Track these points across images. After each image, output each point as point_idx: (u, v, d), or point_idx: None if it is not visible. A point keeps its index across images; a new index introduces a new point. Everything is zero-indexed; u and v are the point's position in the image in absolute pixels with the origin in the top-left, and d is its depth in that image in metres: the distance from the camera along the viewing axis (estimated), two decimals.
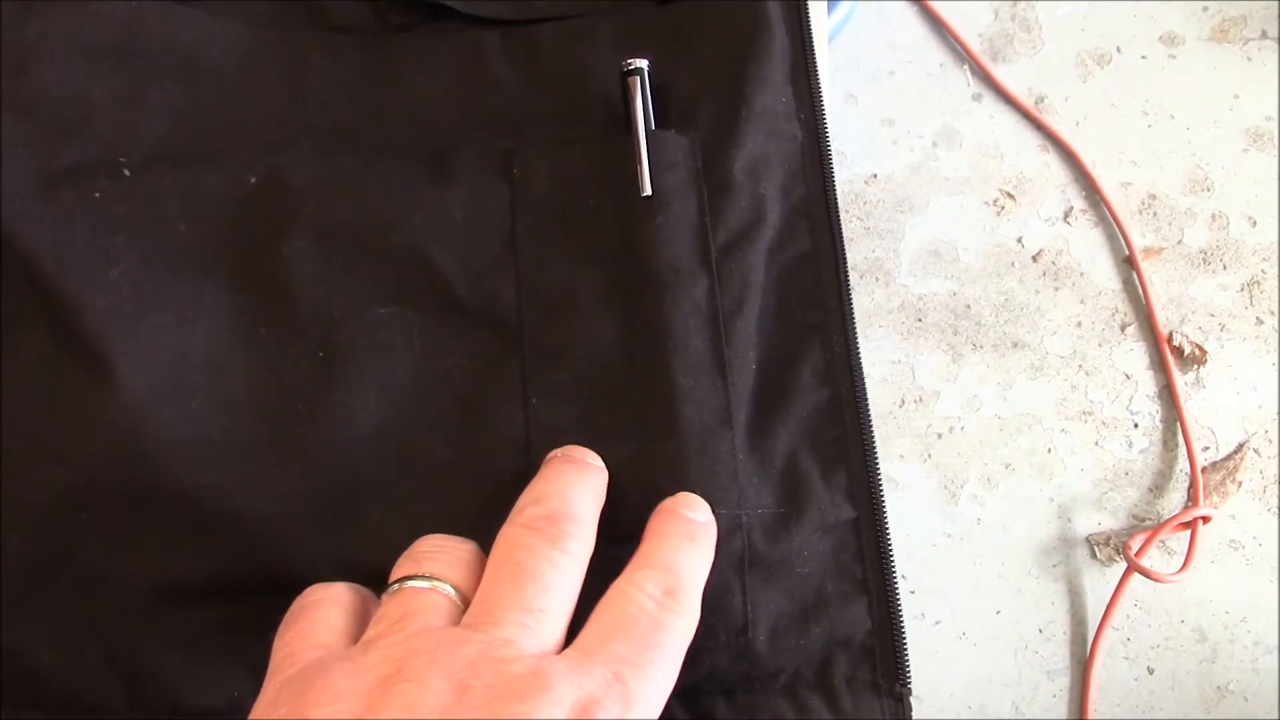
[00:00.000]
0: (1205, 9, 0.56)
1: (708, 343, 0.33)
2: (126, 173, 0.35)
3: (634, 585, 0.28)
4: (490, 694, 0.24)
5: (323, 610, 0.28)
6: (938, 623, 0.46)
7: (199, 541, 0.32)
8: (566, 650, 0.26)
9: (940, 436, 0.49)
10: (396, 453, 0.33)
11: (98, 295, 0.33)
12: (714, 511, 0.32)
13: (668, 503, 0.31)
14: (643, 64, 0.36)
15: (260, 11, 0.38)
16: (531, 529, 0.28)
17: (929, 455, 0.49)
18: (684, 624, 0.28)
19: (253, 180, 0.35)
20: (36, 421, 0.33)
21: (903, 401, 0.49)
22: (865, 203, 0.52)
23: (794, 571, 0.33)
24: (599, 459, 0.32)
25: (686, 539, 0.30)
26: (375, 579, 0.30)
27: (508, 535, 0.29)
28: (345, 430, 0.33)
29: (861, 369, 0.35)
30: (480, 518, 0.31)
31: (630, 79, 0.36)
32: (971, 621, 0.46)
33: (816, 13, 0.39)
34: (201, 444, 0.32)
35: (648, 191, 0.35)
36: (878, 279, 0.51)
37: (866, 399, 0.34)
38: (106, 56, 0.36)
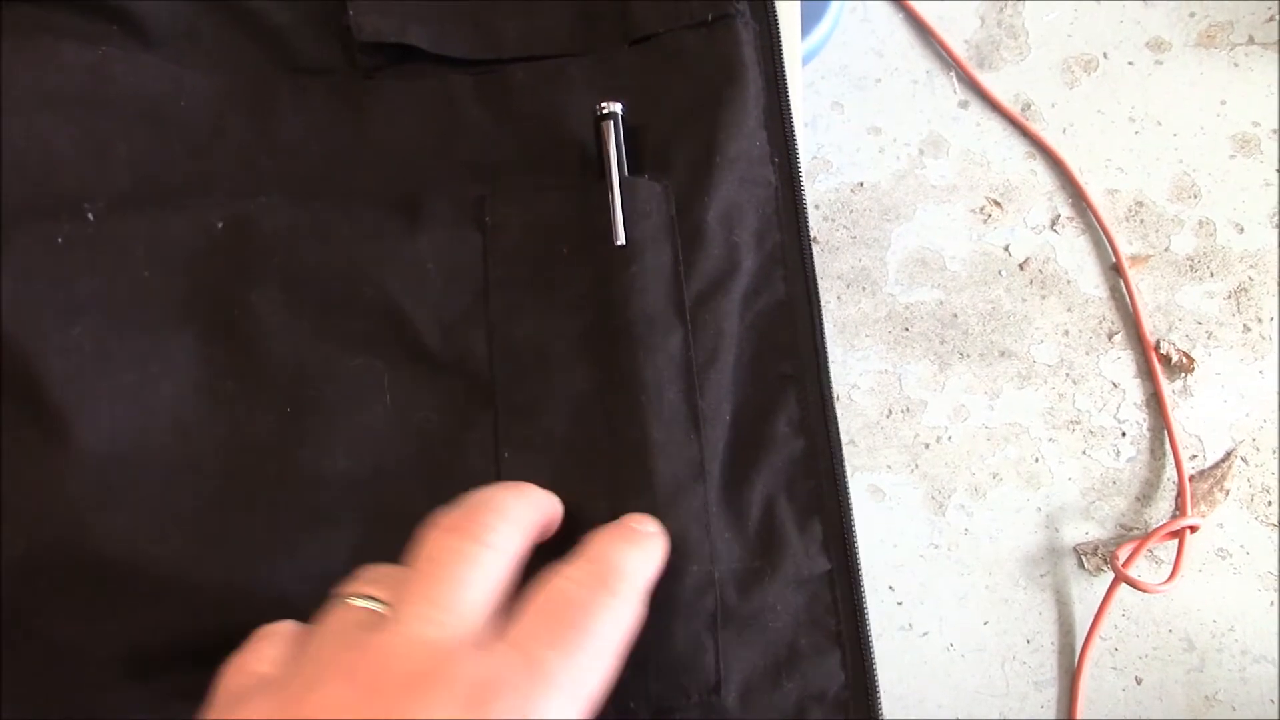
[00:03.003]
0: (1192, 14, 0.56)
1: (681, 395, 0.33)
2: (90, 216, 0.34)
3: (560, 573, 0.28)
4: (386, 689, 0.24)
5: (259, 644, 0.28)
6: (925, 634, 0.46)
7: (162, 608, 0.31)
8: (481, 638, 0.26)
9: (928, 446, 0.49)
10: (367, 510, 0.33)
11: (58, 357, 0.32)
12: (686, 568, 0.31)
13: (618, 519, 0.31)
14: (616, 108, 0.36)
15: (228, 52, 0.38)
16: (446, 529, 0.28)
17: (916, 465, 0.48)
18: (616, 607, 0.28)
19: (219, 225, 0.35)
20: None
21: (890, 411, 0.49)
22: (852, 211, 0.52)
23: (767, 626, 0.32)
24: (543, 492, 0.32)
25: (624, 539, 0.30)
26: None
27: (422, 537, 0.29)
28: (313, 490, 0.33)
29: (836, 418, 0.35)
30: None
31: (604, 124, 0.36)
32: (959, 632, 0.46)
33: (789, 51, 0.38)
34: (164, 508, 0.32)
35: (621, 240, 0.34)
36: (864, 288, 0.51)
37: (841, 448, 0.34)
38: (70, 105, 0.35)
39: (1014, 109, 0.54)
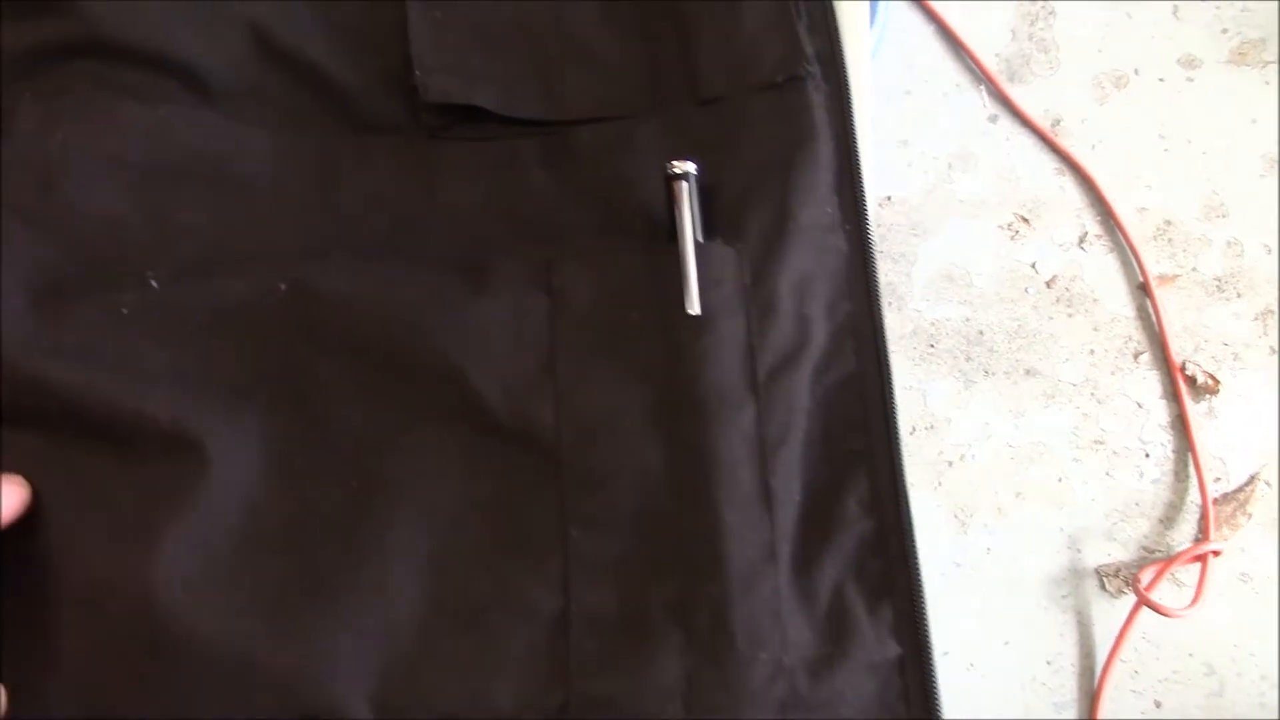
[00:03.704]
0: (1224, 31, 0.55)
1: (754, 474, 0.32)
2: (154, 284, 0.34)
3: None
4: None
5: None
6: (945, 653, 0.46)
7: (228, 690, 0.30)
8: None
9: (951, 464, 0.49)
10: (433, 588, 0.32)
11: (134, 438, 0.31)
12: (756, 656, 0.31)
13: None
14: (689, 168, 0.35)
15: (290, 109, 0.37)
16: None
17: (940, 483, 0.48)
18: None
19: (283, 287, 0.34)
20: (65, 566, 0.31)
21: (914, 428, 0.49)
22: (879, 225, 0.52)
23: (837, 714, 0.32)
24: None
25: None
26: None
27: None
28: (378, 567, 0.32)
29: (908, 497, 0.34)
30: (522, 659, 0.31)
31: (676, 184, 0.35)
32: (980, 652, 0.46)
33: (860, 113, 0.37)
34: (233, 588, 0.31)
35: (695, 310, 0.33)
36: (890, 304, 0.51)
37: (913, 528, 0.33)
38: (132, 170, 0.34)
39: (1044, 124, 0.54)
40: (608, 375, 0.34)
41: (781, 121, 0.36)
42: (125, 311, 0.33)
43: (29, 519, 0.31)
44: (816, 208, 0.36)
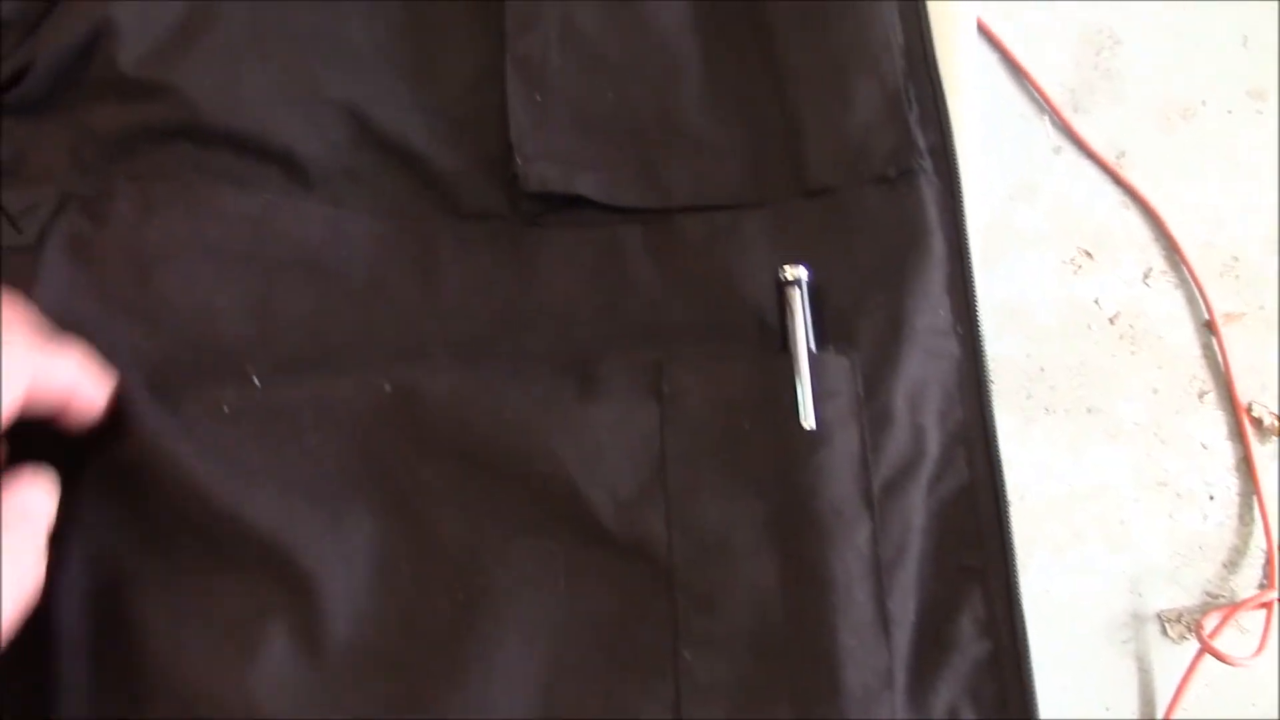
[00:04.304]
0: None
1: (870, 596, 0.32)
2: (256, 381, 0.33)
3: None
4: None
5: None
6: None
7: None
8: None
9: (1010, 503, 0.48)
10: (541, 709, 0.31)
11: (234, 543, 0.31)
12: None
13: None
14: (801, 274, 0.34)
15: (387, 195, 0.36)
16: None
17: None
18: None
19: (388, 389, 0.33)
20: (164, 671, 0.31)
21: None
22: None
23: None
24: None
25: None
26: None
27: None
28: (484, 685, 0.31)
29: (1024, 617, 0.33)
30: None
31: (789, 291, 0.34)
32: (1037, 697, 0.46)
33: (971, 211, 0.36)
34: (336, 707, 0.31)
35: (810, 423, 0.32)
36: None
37: (1029, 651, 0.33)
38: (232, 260, 0.34)
39: (1108, 156, 0.53)
40: (720, 487, 0.33)
41: (894, 220, 0.35)
42: (226, 410, 0.32)
43: (124, 613, 0.31)
44: (930, 312, 0.35)
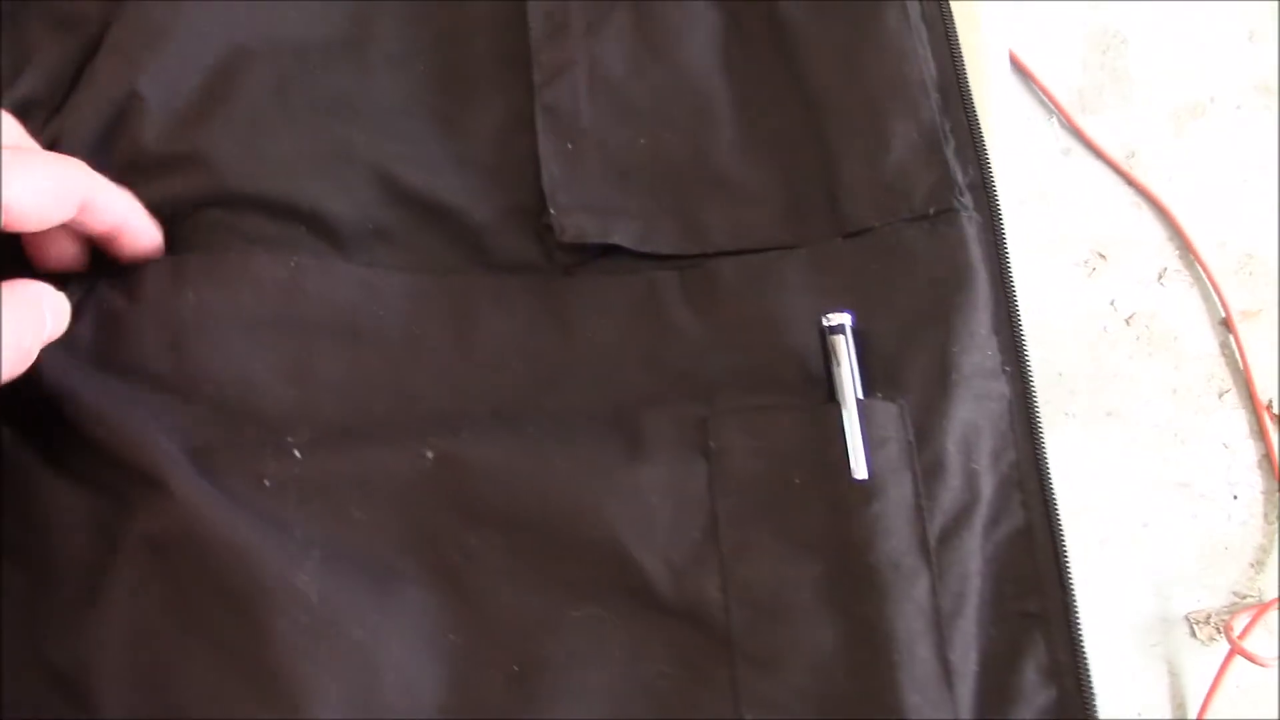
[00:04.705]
0: None
1: (932, 650, 0.31)
2: (296, 454, 0.32)
3: None
4: None
5: None
6: None
7: None
8: None
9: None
10: None
11: (282, 617, 0.30)
12: None
13: None
14: (845, 319, 0.33)
15: (422, 250, 0.36)
16: None
17: None
18: None
19: (429, 456, 0.33)
20: None
21: None
22: None
23: None
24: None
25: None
26: None
27: None
28: None
29: (1088, 662, 0.33)
30: None
31: (833, 339, 0.33)
32: None
33: (1013, 243, 0.36)
34: None
35: (862, 474, 0.32)
36: None
37: (1094, 697, 0.32)
38: (265, 328, 0.33)
39: (1118, 156, 0.52)
40: (774, 545, 0.32)
41: (936, 259, 0.34)
42: (268, 483, 0.32)
43: (169, 694, 0.30)
44: (978, 353, 0.34)
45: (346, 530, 0.32)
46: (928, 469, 0.33)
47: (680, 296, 0.35)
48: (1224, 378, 0.49)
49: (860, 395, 0.33)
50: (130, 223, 0.32)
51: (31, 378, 0.31)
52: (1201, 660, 0.46)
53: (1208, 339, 0.50)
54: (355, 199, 0.36)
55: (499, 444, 0.33)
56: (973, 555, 0.32)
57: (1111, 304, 0.51)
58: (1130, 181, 0.52)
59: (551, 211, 0.35)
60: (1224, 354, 0.50)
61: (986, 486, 0.33)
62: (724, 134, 0.37)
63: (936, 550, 0.32)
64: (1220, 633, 0.46)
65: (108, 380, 0.33)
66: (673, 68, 0.38)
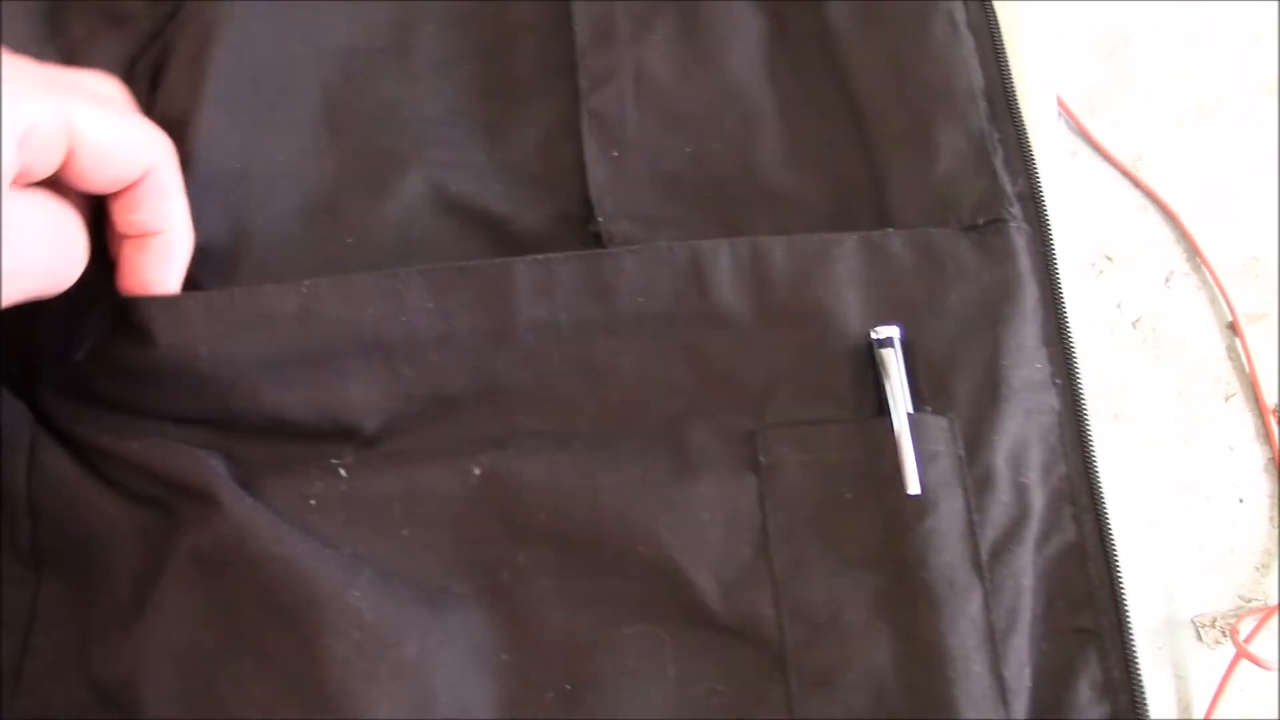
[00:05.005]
0: None
1: (987, 666, 0.30)
2: (342, 473, 0.32)
3: None
4: None
5: None
6: None
7: None
8: None
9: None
10: None
11: (334, 637, 0.30)
12: None
13: None
14: (894, 333, 0.33)
15: (462, 258, 0.34)
16: None
17: None
18: None
19: (476, 472, 0.32)
20: None
21: None
22: None
23: None
24: None
25: None
26: None
27: None
28: None
29: (1142, 679, 0.32)
30: None
31: (883, 352, 0.33)
32: None
33: (1064, 256, 0.35)
34: None
35: (915, 490, 0.31)
36: None
37: (1148, 713, 0.32)
38: (290, 365, 0.32)
39: (1125, 158, 0.52)
40: (826, 561, 0.32)
41: (985, 271, 0.34)
42: (314, 503, 0.32)
43: (212, 692, 0.30)
44: (1027, 366, 0.33)
45: (396, 549, 0.32)
46: (978, 483, 0.32)
47: (729, 275, 0.34)
48: (1230, 381, 0.50)
49: (910, 408, 0.32)
50: (176, 226, 0.31)
51: (69, 393, 0.31)
52: (1208, 663, 0.46)
53: (1214, 342, 0.50)
54: (401, 207, 0.35)
55: (546, 459, 0.33)
56: (1025, 571, 0.32)
57: (1119, 306, 0.51)
58: (1137, 184, 0.52)
59: (599, 219, 0.35)
60: (1230, 357, 0.50)
61: (1037, 501, 0.33)
62: (770, 143, 0.36)
63: (989, 565, 0.32)
64: (1226, 636, 0.46)
65: (143, 415, 0.32)
66: (719, 74, 0.37)
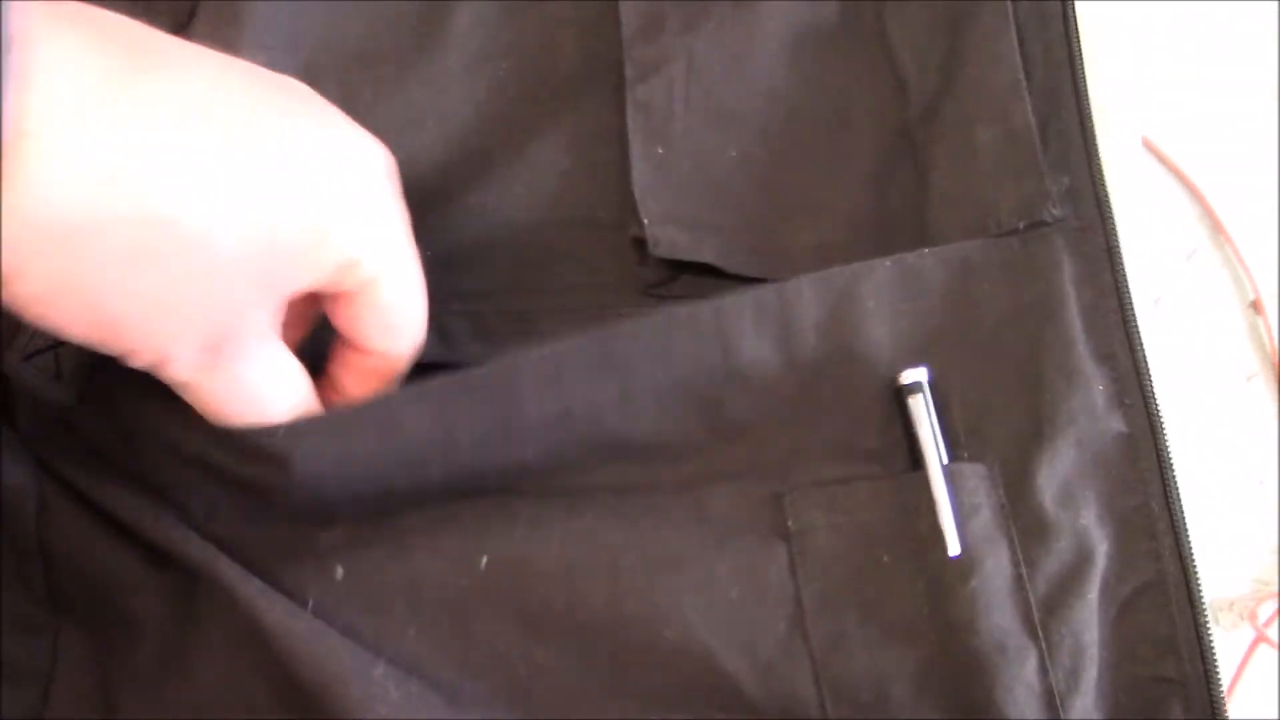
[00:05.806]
0: None
1: None
2: (339, 570, 0.31)
3: None
4: None
5: None
6: None
7: None
8: None
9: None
10: None
11: (363, 709, 0.29)
12: None
13: None
14: (921, 376, 0.31)
15: (485, 274, 0.34)
16: None
17: None
18: None
19: (484, 561, 0.30)
20: None
21: None
22: None
23: None
24: None
25: None
26: None
27: None
28: None
29: None
30: None
31: (911, 399, 0.31)
32: None
33: (1132, 262, 0.32)
34: None
35: (956, 549, 0.29)
36: None
37: None
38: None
39: (1147, 134, 0.51)
40: (866, 632, 0.30)
41: (1023, 288, 0.32)
42: (312, 604, 0.30)
43: None
44: (1080, 393, 0.31)
45: (406, 649, 0.30)
46: (1025, 532, 0.30)
47: (754, 328, 0.31)
48: (1252, 361, 0.49)
49: (944, 458, 0.30)
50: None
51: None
52: (1225, 647, 0.45)
53: (1236, 321, 0.49)
54: (422, 222, 0.33)
55: (557, 536, 0.31)
56: (1088, 621, 0.30)
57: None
58: (1160, 159, 0.51)
59: (645, 220, 0.33)
60: (1252, 337, 0.49)
61: (1100, 541, 0.31)
62: (818, 148, 0.35)
63: (1044, 622, 0.30)
64: (1244, 620, 0.45)
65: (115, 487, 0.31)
66: (768, 73, 0.35)
